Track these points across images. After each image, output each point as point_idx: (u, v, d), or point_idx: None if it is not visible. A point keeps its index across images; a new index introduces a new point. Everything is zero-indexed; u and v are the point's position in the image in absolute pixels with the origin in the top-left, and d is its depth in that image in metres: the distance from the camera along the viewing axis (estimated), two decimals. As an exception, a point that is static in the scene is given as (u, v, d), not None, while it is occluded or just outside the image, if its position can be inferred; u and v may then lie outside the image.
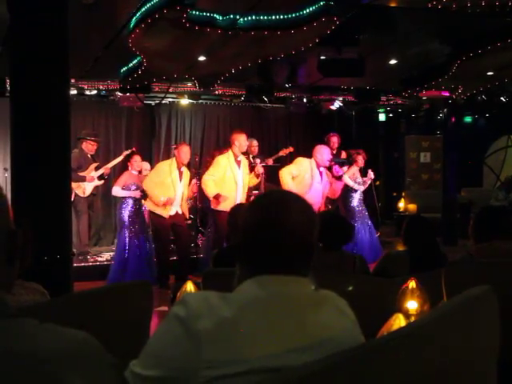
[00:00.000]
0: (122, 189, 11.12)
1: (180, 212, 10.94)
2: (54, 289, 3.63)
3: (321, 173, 10.86)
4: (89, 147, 12.73)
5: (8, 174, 11.08)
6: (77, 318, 2.58)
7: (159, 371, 1.83)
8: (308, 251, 2.07)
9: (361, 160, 12.43)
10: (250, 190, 11.62)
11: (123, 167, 12.53)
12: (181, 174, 10.91)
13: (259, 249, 2.03)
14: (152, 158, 15.05)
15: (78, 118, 12.94)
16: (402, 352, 1.70)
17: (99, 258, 12.64)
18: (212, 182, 10.73)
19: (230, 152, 11.10)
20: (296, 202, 2.11)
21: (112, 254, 12.92)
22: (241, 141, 10.96)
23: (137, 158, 11.37)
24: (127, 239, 11.06)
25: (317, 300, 2.04)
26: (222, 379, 1.76)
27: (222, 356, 1.78)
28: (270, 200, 2.12)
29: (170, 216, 10.79)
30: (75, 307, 2.98)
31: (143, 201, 11.29)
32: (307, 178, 10.79)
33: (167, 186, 10.70)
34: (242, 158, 11.15)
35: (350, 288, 2.00)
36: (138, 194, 11.08)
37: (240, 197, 10.93)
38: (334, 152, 13.57)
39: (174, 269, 10.99)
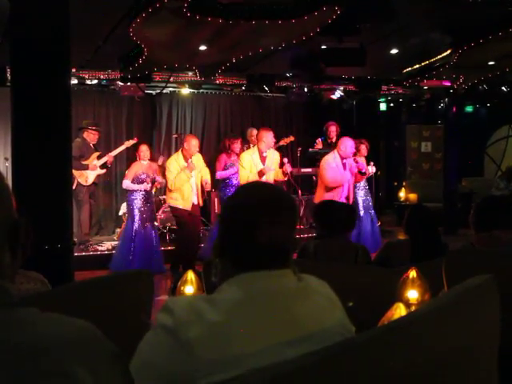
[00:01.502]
0: (133, 180, 11.19)
1: (196, 203, 10.97)
2: (54, 278, 3.64)
3: (344, 164, 10.84)
4: (90, 137, 12.73)
5: (9, 164, 11.08)
6: (77, 307, 2.58)
7: None
8: (290, 243, 2.06)
9: (364, 149, 12.42)
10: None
11: (130, 158, 12.56)
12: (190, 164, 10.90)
13: (243, 244, 2.01)
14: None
15: (78, 107, 12.98)
16: (403, 341, 1.71)
17: (100, 248, 12.65)
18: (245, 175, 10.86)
19: (254, 148, 11.25)
20: (279, 195, 2.11)
21: (113, 243, 12.98)
22: (268, 138, 11.08)
23: (143, 148, 11.40)
24: (135, 228, 11.15)
25: (302, 290, 2.02)
26: None
27: (216, 361, 1.76)
28: (253, 194, 2.11)
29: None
30: (76, 296, 2.99)
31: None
32: (337, 171, 10.79)
33: (182, 180, 10.71)
34: (269, 152, 11.22)
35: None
36: (147, 187, 11.19)
37: None
38: (333, 141, 13.58)
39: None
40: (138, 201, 11.22)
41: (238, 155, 12.01)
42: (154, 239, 11.34)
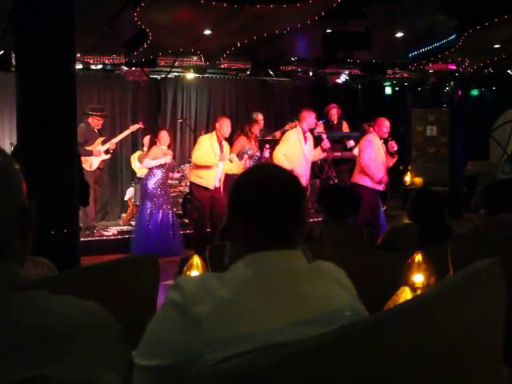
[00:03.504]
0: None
1: (218, 185, 10.98)
2: (61, 263, 3.65)
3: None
4: (95, 122, 12.73)
5: (14, 149, 11.10)
6: (83, 292, 2.59)
7: (162, 360, 1.81)
8: (299, 224, 2.07)
9: None
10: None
11: (139, 143, 12.64)
12: (221, 147, 10.92)
13: (250, 226, 2.03)
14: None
15: (83, 92, 12.94)
16: (408, 325, 1.71)
17: (106, 233, 12.68)
18: (284, 158, 10.95)
19: (298, 128, 11.36)
20: (285, 175, 2.12)
21: (119, 228, 13.03)
22: (311, 118, 11.26)
23: (164, 134, 11.49)
24: (150, 210, 11.28)
25: (313, 272, 2.04)
26: (227, 361, 1.75)
27: (224, 337, 1.77)
28: (259, 176, 2.12)
29: (210, 189, 10.85)
30: (82, 281, 3.00)
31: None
32: (378, 153, 10.80)
33: (208, 161, 10.75)
34: (308, 134, 11.41)
35: (348, 313, 2.01)
36: (168, 159, 11.33)
37: (307, 172, 11.35)
38: (335, 123, 13.57)
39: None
40: (154, 183, 11.33)
41: (255, 139, 12.07)
42: (171, 222, 11.45)
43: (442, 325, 1.75)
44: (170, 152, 11.55)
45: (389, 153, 11.04)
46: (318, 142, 11.93)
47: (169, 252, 10.52)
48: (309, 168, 11.52)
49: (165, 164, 11.35)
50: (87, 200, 7.94)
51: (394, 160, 11.34)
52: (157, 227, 11.22)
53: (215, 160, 10.68)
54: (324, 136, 11.71)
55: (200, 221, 11.04)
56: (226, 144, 11.08)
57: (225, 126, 10.87)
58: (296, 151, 11.10)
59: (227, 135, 11.00)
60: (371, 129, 12.14)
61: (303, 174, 10.97)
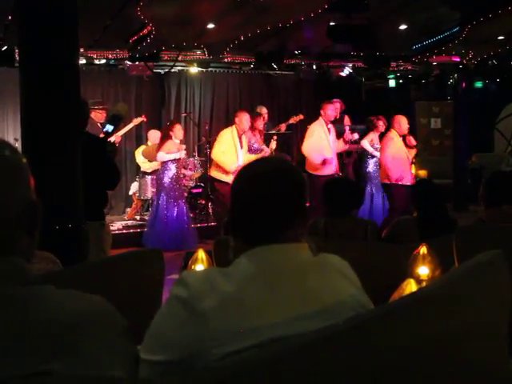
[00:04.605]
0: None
1: None
2: (65, 258, 3.66)
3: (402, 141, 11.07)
4: (98, 116, 12.69)
5: (18, 144, 11.11)
6: (88, 287, 2.59)
7: (167, 355, 1.81)
8: (301, 217, 2.06)
9: (381, 125, 12.34)
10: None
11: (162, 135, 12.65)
12: (241, 142, 11.04)
13: (254, 218, 2.02)
14: (162, 127, 15.07)
15: (87, 87, 12.96)
16: (413, 317, 1.71)
17: (111, 227, 12.63)
18: (314, 150, 11.16)
19: (321, 120, 11.45)
20: (287, 168, 2.11)
21: (123, 222, 13.03)
22: (328, 111, 11.37)
23: (178, 127, 11.52)
24: (166, 204, 11.30)
25: (318, 265, 2.03)
26: (232, 356, 1.75)
27: (229, 332, 1.77)
28: (260, 168, 2.12)
29: None
30: (87, 276, 3.00)
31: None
32: (400, 149, 10.96)
33: (231, 154, 10.84)
34: (331, 125, 11.54)
35: (353, 306, 2.01)
36: (183, 154, 11.40)
37: (335, 161, 11.44)
38: (338, 117, 13.61)
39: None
40: (169, 177, 11.36)
41: (261, 132, 12.11)
42: (185, 215, 11.50)
43: (447, 317, 1.75)
44: (183, 147, 11.60)
45: (408, 147, 11.30)
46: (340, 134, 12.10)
47: (185, 245, 10.56)
48: (336, 158, 11.60)
49: (179, 158, 11.35)
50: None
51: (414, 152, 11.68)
52: (173, 221, 11.26)
53: (232, 167, 10.76)
54: (347, 128, 11.81)
55: (225, 214, 11.08)
56: (245, 138, 11.15)
57: (244, 120, 10.97)
58: (323, 143, 11.19)
59: (247, 129, 11.09)
60: (379, 122, 12.19)
61: (333, 164, 11.20)
